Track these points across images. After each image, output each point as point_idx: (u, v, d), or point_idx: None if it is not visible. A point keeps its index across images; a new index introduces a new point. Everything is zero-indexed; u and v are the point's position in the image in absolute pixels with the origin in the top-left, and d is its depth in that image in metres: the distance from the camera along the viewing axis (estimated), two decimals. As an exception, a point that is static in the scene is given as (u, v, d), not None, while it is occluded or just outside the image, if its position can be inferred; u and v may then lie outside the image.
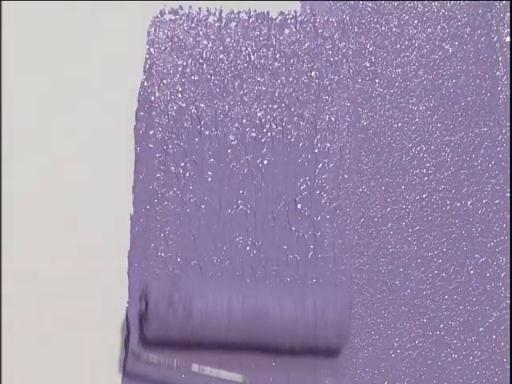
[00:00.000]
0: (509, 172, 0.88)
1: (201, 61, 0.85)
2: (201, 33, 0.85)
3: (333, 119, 0.86)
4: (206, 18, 0.86)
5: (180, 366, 0.76)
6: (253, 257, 0.83)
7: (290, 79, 0.86)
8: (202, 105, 0.85)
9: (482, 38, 0.90)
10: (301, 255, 0.83)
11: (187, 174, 0.83)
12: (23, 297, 0.78)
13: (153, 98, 0.84)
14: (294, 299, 0.78)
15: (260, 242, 0.83)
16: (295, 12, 0.87)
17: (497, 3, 0.91)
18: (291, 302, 0.77)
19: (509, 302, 0.85)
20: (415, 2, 0.90)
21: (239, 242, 0.83)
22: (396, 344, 0.83)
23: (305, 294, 0.78)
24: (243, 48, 0.86)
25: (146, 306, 0.76)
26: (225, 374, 0.76)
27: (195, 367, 0.76)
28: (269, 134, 0.85)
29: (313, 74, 0.87)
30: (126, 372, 0.78)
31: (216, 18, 0.86)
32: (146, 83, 0.84)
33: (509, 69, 0.90)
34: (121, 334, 0.79)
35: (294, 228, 0.84)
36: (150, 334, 0.77)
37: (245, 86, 0.86)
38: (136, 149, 0.83)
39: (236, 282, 0.81)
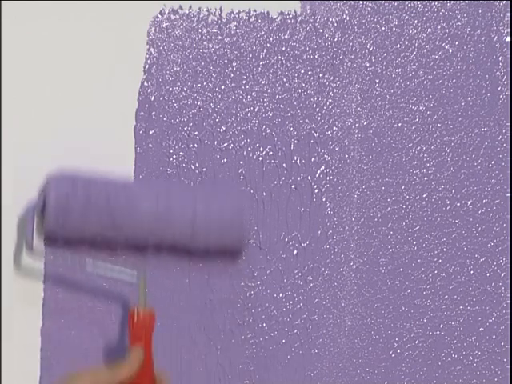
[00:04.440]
0: (509, 172, 0.88)
1: (201, 61, 0.85)
2: (201, 33, 0.85)
3: (333, 119, 0.86)
4: (206, 18, 0.86)
5: (74, 261, 0.76)
6: (254, 254, 0.83)
7: (290, 79, 0.86)
8: (202, 105, 0.85)
9: (482, 38, 0.90)
10: (301, 255, 0.83)
11: (187, 174, 0.83)
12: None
13: (153, 98, 0.84)
14: (201, 200, 0.78)
15: (261, 241, 0.83)
16: (295, 12, 0.87)
17: (497, 3, 0.91)
18: (198, 203, 0.78)
19: (509, 301, 0.85)
20: (415, 1, 0.90)
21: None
22: (396, 344, 0.84)
23: (210, 196, 0.79)
24: (243, 48, 0.86)
25: (44, 199, 0.76)
26: (118, 270, 0.76)
27: (89, 262, 0.76)
28: (269, 132, 0.85)
29: (313, 73, 0.87)
30: (20, 266, 0.78)
31: (216, 18, 0.86)
32: (145, 83, 0.84)
33: (509, 69, 0.90)
34: (16, 230, 0.79)
35: (294, 228, 0.84)
36: (47, 227, 0.76)
37: (245, 86, 0.86)
38: (136, 149, 0.83)
39: (146, 182, 0.81)
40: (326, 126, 0.86)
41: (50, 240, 0.78)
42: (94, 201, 0.75)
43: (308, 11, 0.88)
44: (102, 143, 0.83)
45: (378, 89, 0.88)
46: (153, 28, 0.85)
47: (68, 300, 0.79)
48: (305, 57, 0.87)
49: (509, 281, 0.86)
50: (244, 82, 0.86)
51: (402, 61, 0.89)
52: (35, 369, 0.78)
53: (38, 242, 0.78)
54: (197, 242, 0.78)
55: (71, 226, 0.76)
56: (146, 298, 0.75)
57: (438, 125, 0.88)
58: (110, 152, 0.83)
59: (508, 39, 0.91)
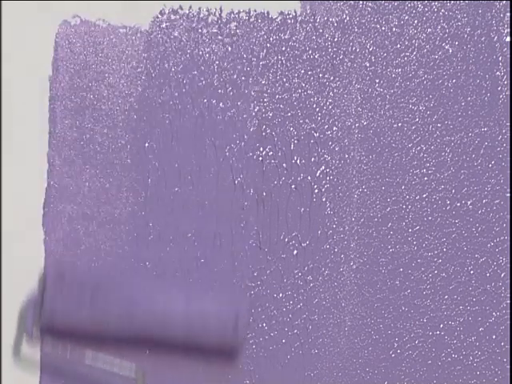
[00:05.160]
0: (509, 172, 0.88)
1: (201, 61, 0.85)
2: (201, 33, 0.85)
3: (333, 119, 0.86)
4: (206, 18, 0.86)
5: (74, 353, 0.77)
6: (256, 254, 0.83)
7: (290, 79, 0.86)
8: (203, 105, 0.85)
9: (482, 38, 0.90)
10: (301, 255, 0.83)
11: (187, 175, 0.83)
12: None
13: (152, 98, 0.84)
14: (197, 306, 0.78)
15: (261, 241, 0.83)
16: (295, 12, 0.87)
17: (497, 3, 0.91)
18: (196, 307, 0.78)
19: (509, 301, 0.85)
20: (415, 1, 0.90)
21: (248, 236, 0.83)
22: (396, 344, 0.84)
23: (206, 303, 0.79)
24: (243, 48, 0.86)
25: (42, 293, 0.76)
26: (118, 364, 0.77)
27: (88, 355, 0.77)
28: (268, 132, 0.85)
29: (313, 73, 0.87)
30: (20, 358, 0.79)
31: (216, 18, 0.86)
32: (145, 83, 0.84)
33: (509, 69, 0.90)
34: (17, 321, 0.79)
35: (294, 228, 0.84)
36: (45, 320, 0.77)
37: (245, 86, 0.86)
38: (133, 149, 0.83)
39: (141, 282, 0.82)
40: (326, 126, 0.86)
41: (48, 334, 0.79)
42: (90, 302, 0.76)
43: (308, 11, 0.88)
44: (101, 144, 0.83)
45: (378, 89, 0.88)
46: (153, 28, 0.85)
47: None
48: (305, 57, 0.87)
49: (509, 281, 0.86)
50: (243, 82, 0.86)
51: (402, 61, 0.89)
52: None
53: (36, 333, 0.79)
54: (192, 339, 0.78)
55: (66, 325, 0.77)
56: None
57: (438, 125, 0.88)
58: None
59: (508, 39, 0.91)
